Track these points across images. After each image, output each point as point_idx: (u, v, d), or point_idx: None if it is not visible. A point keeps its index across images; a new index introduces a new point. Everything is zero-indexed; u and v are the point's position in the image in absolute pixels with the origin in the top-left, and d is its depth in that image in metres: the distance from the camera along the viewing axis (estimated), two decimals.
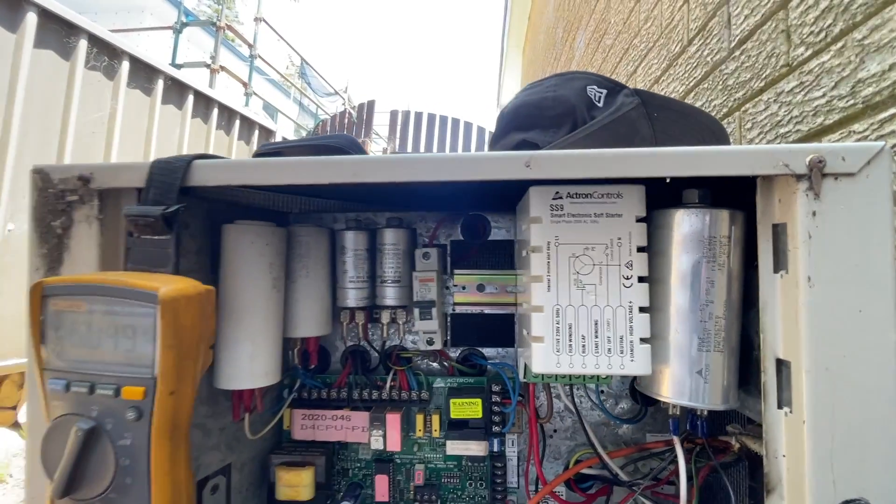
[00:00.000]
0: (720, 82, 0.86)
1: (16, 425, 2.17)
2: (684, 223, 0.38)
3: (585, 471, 0.48)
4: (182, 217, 0.40)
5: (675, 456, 0.46)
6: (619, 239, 0.37)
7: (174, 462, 0.32)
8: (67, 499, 0.31)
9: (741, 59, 0.79)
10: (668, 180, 0.34)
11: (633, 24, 1.39)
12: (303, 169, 0.35)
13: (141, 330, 0.30)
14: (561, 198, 0.38)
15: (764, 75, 0.72)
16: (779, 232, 0.34)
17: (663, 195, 0.39)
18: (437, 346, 0.49)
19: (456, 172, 0.34)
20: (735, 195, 0.38)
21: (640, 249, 0.37)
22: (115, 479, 0.31)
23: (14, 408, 2.20)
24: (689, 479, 0.40)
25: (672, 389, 0.37)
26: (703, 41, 0.93)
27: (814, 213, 0.32)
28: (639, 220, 0.38)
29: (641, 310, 0.37)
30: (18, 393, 2.22)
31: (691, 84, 0.98)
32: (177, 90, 2.89)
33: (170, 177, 0.36)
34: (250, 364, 0.40)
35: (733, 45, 0.81)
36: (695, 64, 0.97)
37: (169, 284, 0.30)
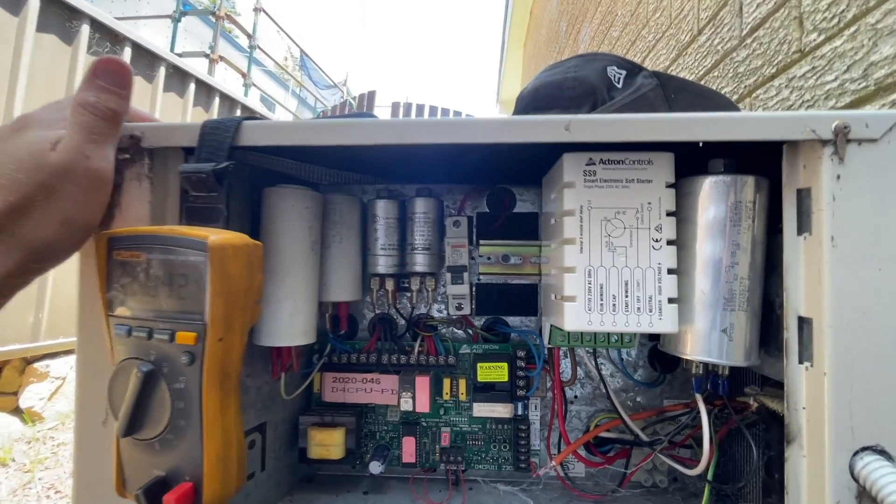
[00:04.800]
0: (731, 70, 0.88)
1: (17, 411, 2.17)
2: (711, 189, 0.40)
3: (605, 434, 0.51)
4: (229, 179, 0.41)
5: (692, 419, 0.48)
6: (650, 203, 0.39)
7: (225, 408, 0.33)
8: (131, 438, 0.33)
9: (752, 47, 0.81)
10: (700, 144, 0.35)
11: (641, 16, 1.40)
12: (351, 130, 0.37)
13: (193, 277, 0.32)
14: (594, 164, 0.40)
15: (776, 62, 0.74)
16: (803, 196, 0.36)
17: (689, 167, 0.41)
18: (466, 311, 0.51)
19: (498, 135, 0.36)
20: (757, 166, 0.40)
21: (668, 214, 0.39)
22: (171, 420, 0.32)
23: (15, 393, 2.20)
24: (709, 436, 0.42)
25: (697, 347, 0.39)
26: (714, 30, 0.95)
27: (838, 177, 0.34)
28: (668, 186, 0.39)
29: (669, 271, 0.39)
30: (20, 378, 2.22)
31: (701, 73, 0.99)
32: (178, 78, 2.88)
33: (220, 136, 0.37)
34: (290, 322, 0.42)
35: (745, 33, 0.83)
36: (705, 53, 0.99)
37: (218, 234, 0.32)
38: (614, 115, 0.36)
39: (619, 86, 0.63)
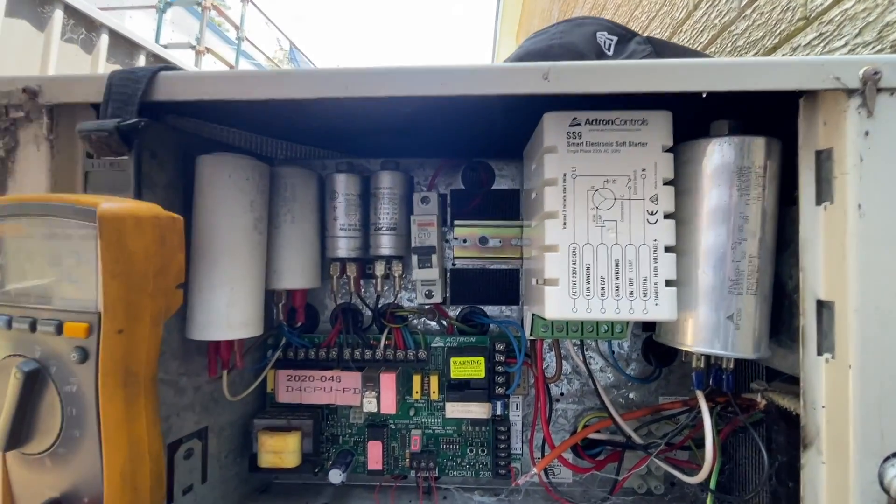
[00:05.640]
0: (729, 44, 0.82)
1: None
2: (715, 154, 0.34)
3: (594, 436, 0.45)
4: (149, 144, 0.35)
5: (691, 419, 0.42)
6: (644, 170, 0.34)
7: (131, 415, 0.27)
8: (17, 452, 0.27)
9: (753, 18, 0.75)
10: (704, 95, 0.30)
11: None
12: (289, 81, 0.31)
13: (84, 256, 0.26)
14: (579, 124, 0.34)
15: (778, 31, 0.68)
16: (822, 159, 0.31)
17: (689, 129, 0.35)
18: (437, 298, 0.45)
19: (464, 86, 0.30)
20: (767, 127, 0.35)
21: (666, 183, 0.34)
22: (62, 430, 0.27)
23: None
24: (712, 438, 0.37)
25: (699, 337, 0.34)
26: (711, 4, 0.89)
27: (866, 133, 0.29)
28: (665, 151, 0.34)
29: (667, 249, 0.33)
30: None
31: (697, 49, 0.94)
32: None
33: (130, 88, 0.31)
34: (227, 312, 0.36)
35: (744, 3, 0.78)
36: (701, 28, 0.93)
37: (114, 202, 0.26)
38: (601, 62, 0.30)
39: (610, 53, 0.57)
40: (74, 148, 0.33)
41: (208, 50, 4.94)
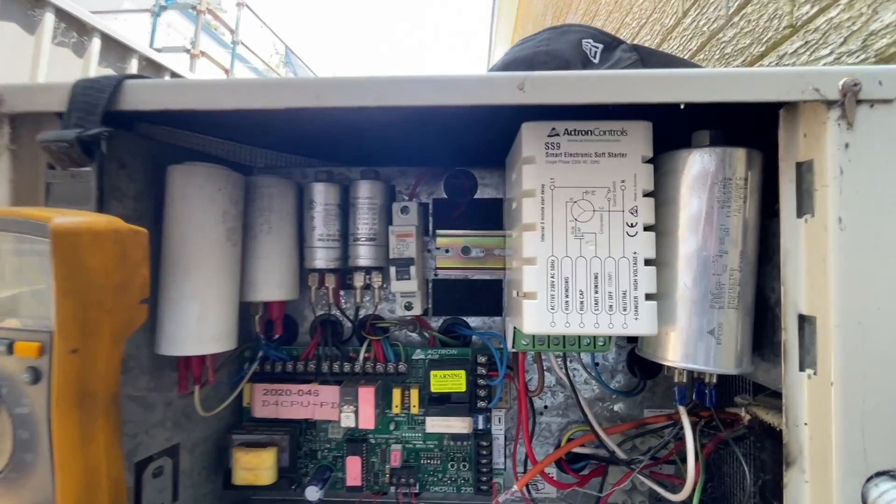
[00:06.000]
0: (717, 51, 0.82)
1: None
2: (696, 164, 0.33)
3: (578, 450, 0.44)
4: (117, 153, 0.34)
5: (676, 432, 0.42)
6: (623, 182, 0.33)
7: (87, 437, 0.26)
8: None
9: (740, 25, 0.75)
10: (682, 106, 0.29)
11: (624, 3, 1.35)
12: (257, 91, 0.30)
13: (38, 272, 0.25)
14: (557, 135, 0.33)
15: (765, 39, 0.68)
16: (803, 171, 0.30)
17: (670, 140, 0.35)
18: (417, 311, 0.44)
19: (439, 96, 0.30)
20: (749, 138, 0.34)
21: (646, 194, 0.33)
22: (13, 454, 0.25)
23: None
24: (695, 455, 0.36)
25: (680, 352, 0.33)
26: (700, 11, 0.89)
27: (846, 146, 0.28)
28: (645, 162, 0.33)
29: (647, 262, 0.32)
30: None
31: (686, 56, 0.94)
32: (153, 72, 2.76)
33: (94, 97, 0.30)
34: (198, 326, 0.35)
35: (732, 11, 0.78)
36: (690, 35, 0.93)
37: (68, 216, 0.25)
38: (577, 73, 0.29)
39: (596, 60, 0.57)
40: (37, 158, 0.32)
41: (203, 53, 4.93)
